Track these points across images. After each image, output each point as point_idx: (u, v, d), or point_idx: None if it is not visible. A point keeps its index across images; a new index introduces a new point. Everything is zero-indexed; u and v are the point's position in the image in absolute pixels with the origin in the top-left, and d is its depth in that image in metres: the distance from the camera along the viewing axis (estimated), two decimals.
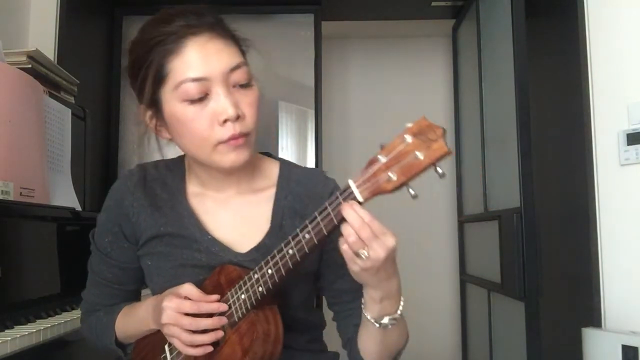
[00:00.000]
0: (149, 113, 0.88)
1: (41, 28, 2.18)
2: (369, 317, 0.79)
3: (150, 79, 0.83)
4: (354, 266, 0.73)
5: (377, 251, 0.70)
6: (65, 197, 1.56)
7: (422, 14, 3.02)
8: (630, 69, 1.88)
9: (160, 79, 0.83)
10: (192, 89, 0.81)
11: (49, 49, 2.14)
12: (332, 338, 1.02)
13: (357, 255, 0.71)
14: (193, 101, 0.81)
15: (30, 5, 2.19)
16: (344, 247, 0.72)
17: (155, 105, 0.86)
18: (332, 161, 2.93)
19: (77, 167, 1.69)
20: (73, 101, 1.80)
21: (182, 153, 0.96)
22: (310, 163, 2.71)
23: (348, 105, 3.40)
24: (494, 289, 2.35)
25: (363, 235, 0.70)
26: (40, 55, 1.57)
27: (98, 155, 2.48)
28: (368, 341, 0.85)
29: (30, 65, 1.52)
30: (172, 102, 0.83)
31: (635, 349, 1.64)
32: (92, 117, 1.84)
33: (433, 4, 2.86)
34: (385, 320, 0.78)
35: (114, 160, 2.65)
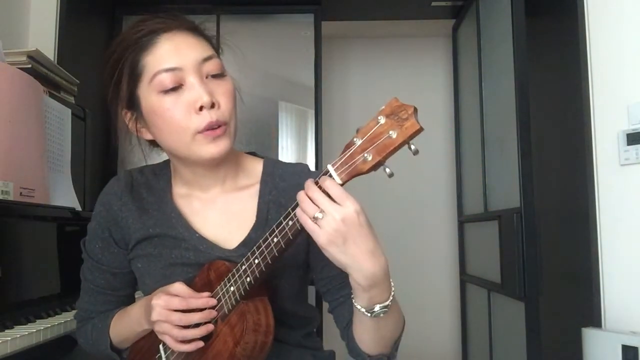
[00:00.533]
0: (128, 115, 0.90)
1: (41, 28, 2.18)
2: (359, 307, 0.78)
3: (126, 78, 0.86)
4: (318, 237, 0.71)
5: (333, 214, 0.69)
6: (65, 197, 1.56)
7: (422, 14, 3.02)
8: (630, 69, 1.87)
9: (135, 76, 0.85)
10: (166, 79, 0.83)
11: (49, 49, 2.14)
12: (331, 336, 1.02)
13: (315, 220, 0.70)
14: (167, 91, 0.84)
15: (30, 5, 2.19)
16: (298, 212, 0.72)
17: (133, 104, 0.88)
18: (332, 161, 2.92)
19: (77, 167, 1.69)
20: (73, 101, 1.79)
21: (167, 158, 0.98)
22: (310, 163, 2.70)
23: (348, 105, 3.40)
24: (494, 289, 2.35)
25: (315, 197, 0.71)
26: (40, 55, 1.57)
27: (98, 155, 2.47)
28: (362, 331, 0.84)
29: (30, 65, 1.52)
30: (149, 97, 0.85)
31: (635, 349, 1.64)
32: (92, 117, 1.84)
33: (433, 4, 2.86)
34: (377, 308, 0.76)
35: (114, 160, 2.65)
